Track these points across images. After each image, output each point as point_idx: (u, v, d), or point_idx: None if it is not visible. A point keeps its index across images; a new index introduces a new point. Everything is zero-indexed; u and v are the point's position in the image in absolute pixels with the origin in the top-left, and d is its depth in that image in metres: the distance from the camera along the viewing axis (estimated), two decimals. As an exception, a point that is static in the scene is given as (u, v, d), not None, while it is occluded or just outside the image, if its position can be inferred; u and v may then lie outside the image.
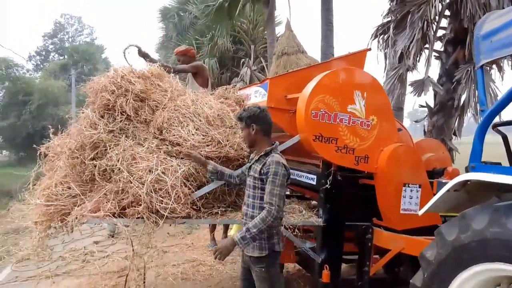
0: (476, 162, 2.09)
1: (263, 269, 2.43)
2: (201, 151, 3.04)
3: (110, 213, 2.70)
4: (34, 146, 3.28)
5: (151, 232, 4.14)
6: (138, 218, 2.72)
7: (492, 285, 1.94)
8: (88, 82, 3.40)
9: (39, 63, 41.74)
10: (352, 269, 3.93)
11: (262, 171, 2.40)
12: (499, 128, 2.32)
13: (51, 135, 3.27)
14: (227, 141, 3.16)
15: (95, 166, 2.91)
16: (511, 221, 1.71)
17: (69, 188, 2.94)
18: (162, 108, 3.30)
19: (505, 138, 2.32)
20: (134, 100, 3.22)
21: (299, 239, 3.37)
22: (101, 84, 3.25)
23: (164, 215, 2.68)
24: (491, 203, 1.90)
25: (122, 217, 2.77)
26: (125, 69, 3.40)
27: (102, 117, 3.19)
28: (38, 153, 3.21)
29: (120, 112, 3.17)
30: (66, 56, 38.63)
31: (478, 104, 3.57)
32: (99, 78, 3.35)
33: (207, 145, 3.09)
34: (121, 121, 3.16)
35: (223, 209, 3.14)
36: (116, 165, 2.85)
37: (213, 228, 5.46)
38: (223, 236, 5.66)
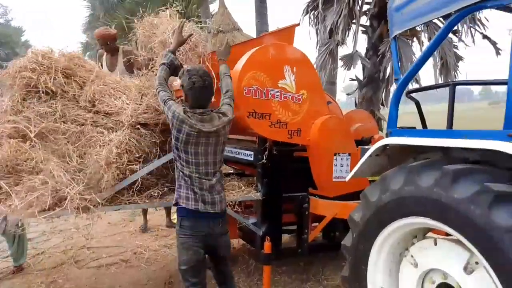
0: (393, 127, 2.26)
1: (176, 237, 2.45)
2: (139, 118, 2.94)
3: (44, 208, 2.51)
4: None
5: (89, 224, 3.95)
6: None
7: (410, 238, 2.15)
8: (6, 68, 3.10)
9: None
10: (294, 239, 4.11)
11: None
12: (412, 94, 2.52)
13: None
14: None
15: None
16: (422, 179, 1.87)
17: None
18: (91, 82, 3.14)
19: (417, 104, 2.53)
20: (59, 77, 3.00)
21: (242, 215, 3.45)
22: (19, 65, 2.98)
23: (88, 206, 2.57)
24: (406, 164, 2.08)
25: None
26: (44, 49, 3.15)
27: (24, 99, 2.95)
28: None
29: (45, 92, 2.94)
30: (-23, 40, 34.51)
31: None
32: (15, 62, 3.07)
33: (144, 113, 3.02)
34: (46, 100, 2.93)
35: (166, 188, 3.10)
36: (40, 157, 2.66)
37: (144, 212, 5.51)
38: (167, 220, 5.60)
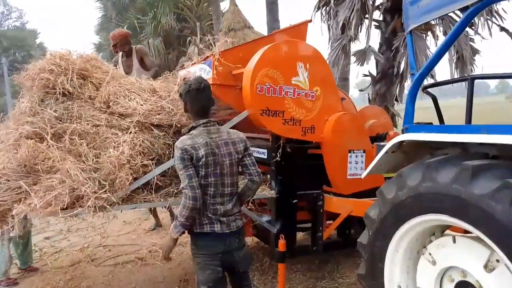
0: (409, 123, 2.23)
1: (192, 255, 2.31)
2: (153, 119, 2.96)
3: (62, 207, 2.54)
4: None
5: (105, 223, 3.99)
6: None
7: (428, 235, 2.12)
8: (23, 71, 3.17)
9: (-38, 52, 37.84)
10: (308, 236, 4.10)
11: None
12: (429, 90, 2.48)
13: None
14: (178, 109, 3.12)
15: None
16: (440, 175, 1.84)
17: (8, 180, 2.74)
18: (106, 83, 3.19)
19: (434, 99, 2.48)
20: (75, 78, 3.07)
21: (255, 213, 3.45)
22: (38, 67, 3.06)
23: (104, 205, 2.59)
24: (424, 160, 2.04)
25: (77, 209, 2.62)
26: (62, 51, 3.23)
27: (42, 101, 3.02)
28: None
29: (62, 93, 3.00)
30: (-7, 43, 35.28)
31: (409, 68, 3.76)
32: (34, 64, 3.14)
33: (158, 114, 3.04)
34: (63, 101, 2.99)
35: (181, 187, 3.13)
36: (57, 157, 2.71)
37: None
38: (172, 219, 5.61)
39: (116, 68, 4.07)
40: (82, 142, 2.89)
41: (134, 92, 3.11)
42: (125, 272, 4.10)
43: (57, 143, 2.85)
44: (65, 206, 2.53)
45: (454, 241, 1.90)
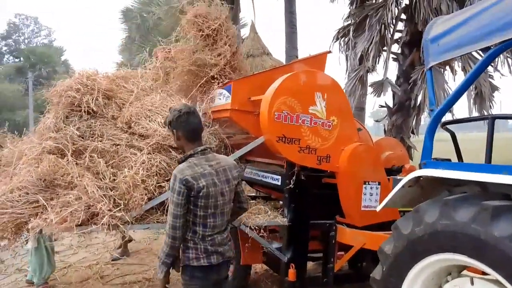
0: (427, 159, 2.21)
1: (182, 285, 2.26)
2: (171, 141, 3.01)
3: (77, 223, 2.57)
4: None
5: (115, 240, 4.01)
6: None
7: (444, 274, 2.06)
8: (49, 87, 3.31)
9: (-8, 66, 39.52)
10: (318, 267, 4.02)
11: None
12: (448, 126, 2.47)
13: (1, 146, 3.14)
14: None
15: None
16: (458, 213, 1.81)
17: (27, 193, 2.80)
18: (129, 104, 3.28)
19: (453, 136, 2.47)
20: (100, 98, 3.17)
21: (266, 240, 3.41)
22: (66, 84, 3.18)
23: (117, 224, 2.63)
24: (442, 197, 2.02)
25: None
26: (89, 71, 3.35)
27: (67, 117, 3.12)
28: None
29: (87, 111, 3.10)
30: (22, 59, 36.76)
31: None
32: (63, 81, 3.28)
33: None
34: (87, 119, 3.08)
35: None
36: (75, 173, 2.77)
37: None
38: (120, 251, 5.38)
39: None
40: (101, 161, 2.95)
41: (156, 112, 3.18)
42: (132, 292, 4.08)
43: (77, 159, 2.92)
44: (80, 223, 2.56)
45: (472, 283, 1.85)
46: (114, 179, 2.90)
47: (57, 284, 4.22)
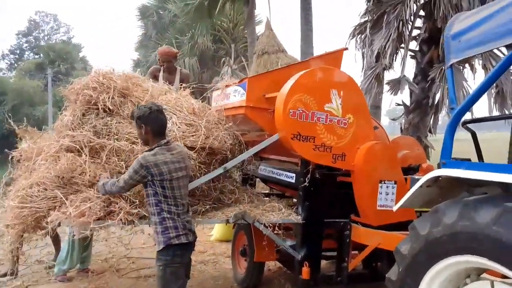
0: (447, 158, 2.16)
1: (160, 267, 2.44)
2: (186, 141, 3.04)
3: (95, 218, 2.63)
4: (6, 150, 3.22)
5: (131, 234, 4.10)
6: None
7: (462, 277, 2.01)
8: (67, 84, 3.38)
9: (13, 62, 40.47)
10: (332, 265, 3.99)
11: None
12: (468, 125, 2.41)
13: (21, 140, 3.22)
14: (210, 133, 3.20)
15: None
16: (479, 214, 1.77)
17: (46, 189, 2.86)
18: (145, 103, 3.31)
19: (474, 135, 2.40)
20: (116, 96, 3.21)
21: (280, 237, 3.40)
22: (82, 83, 3.24)
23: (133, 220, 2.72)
24: (461, 198, 1.97)
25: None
26: (106, 70, 3.40)
27: (84, 115, 3.18)
28: (10, 157, 3.14)
29: (103, 109, 3.15)
30: (41, 55, 37.51)
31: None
32: (80, 79, 3.34)
33: (192, 136, 3.12)
34: (103, 118, 3.14)
35: (208, 206, 3.16)
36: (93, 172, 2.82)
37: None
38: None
39: (148, 78, 4.21)
40: (116, 160, 2.97)
41: (171, 112, 3.19)
42: (147, 285, 4.13)
43: (94, 158, 2.97)
44: (97, 218, 2.61)
45: (493, 286, 1.80)
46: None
47: (74, 276, 4.31)
